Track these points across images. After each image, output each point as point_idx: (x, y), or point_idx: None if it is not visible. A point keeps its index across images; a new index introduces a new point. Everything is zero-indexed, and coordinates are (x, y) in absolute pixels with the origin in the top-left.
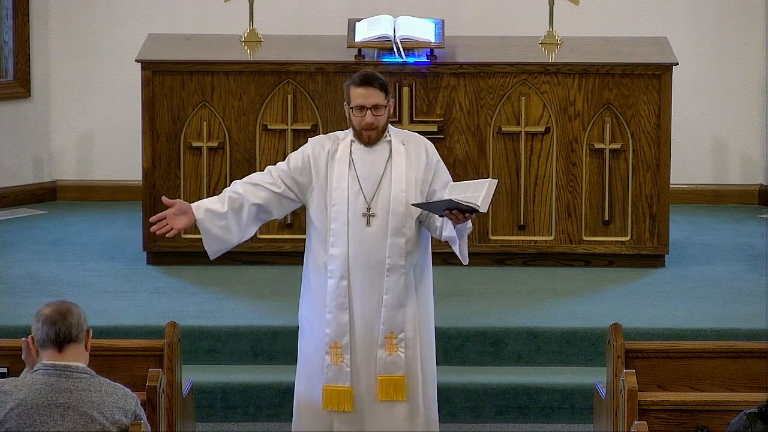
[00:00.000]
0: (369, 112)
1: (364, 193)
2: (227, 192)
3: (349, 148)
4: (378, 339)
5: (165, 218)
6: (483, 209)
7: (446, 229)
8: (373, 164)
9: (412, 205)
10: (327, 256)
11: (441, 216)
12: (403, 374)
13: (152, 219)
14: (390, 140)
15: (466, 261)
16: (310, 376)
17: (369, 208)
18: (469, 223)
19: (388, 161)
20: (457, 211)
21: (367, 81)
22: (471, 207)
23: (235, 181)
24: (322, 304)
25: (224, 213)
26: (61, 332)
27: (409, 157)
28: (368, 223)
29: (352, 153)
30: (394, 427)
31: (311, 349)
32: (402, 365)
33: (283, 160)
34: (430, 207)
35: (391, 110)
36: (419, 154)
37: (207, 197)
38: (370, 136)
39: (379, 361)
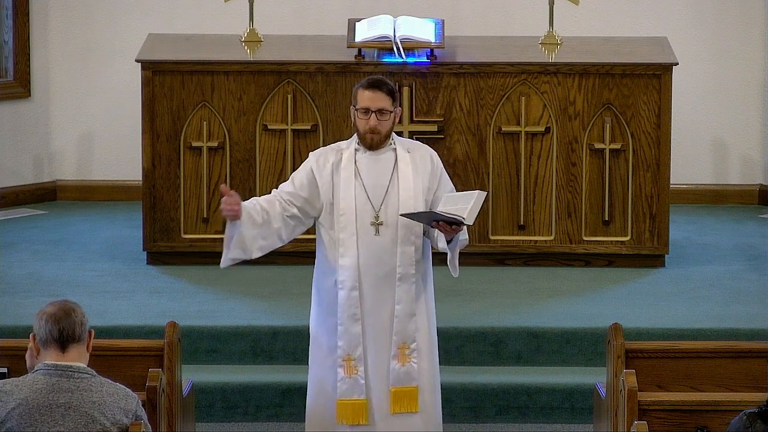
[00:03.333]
0: (374, 115)
1: (372, 202)
2: (261, 203)
3: (354, 157)
4: (390, 350)
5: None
6: (469, 221)
7: (440, 240)
8: (379, 172)
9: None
10: (337, 267)
11: (431, 227)
12: (416, 385)
13: (225, 192)
14: (395, 148)
15: (455, 274)
16: (321, 391)
17: (377, 217)
18: (464, 236)
19: (393, 169)
20: (444, 222)
21: (375, 85)
22: (455, 219)
23: (267, 197)
24: (331, 317)
25: (260, 223)
26: (65, 331)
27: (414, 164)
28: (377, 232)
29: (356, 162)
30: None
31: (321, 363)
32: (415, 376)
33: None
34: (417, 217)
35: (398, 118)
36: (425, 162)
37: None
38: (372, 139)
39: (392, 372)
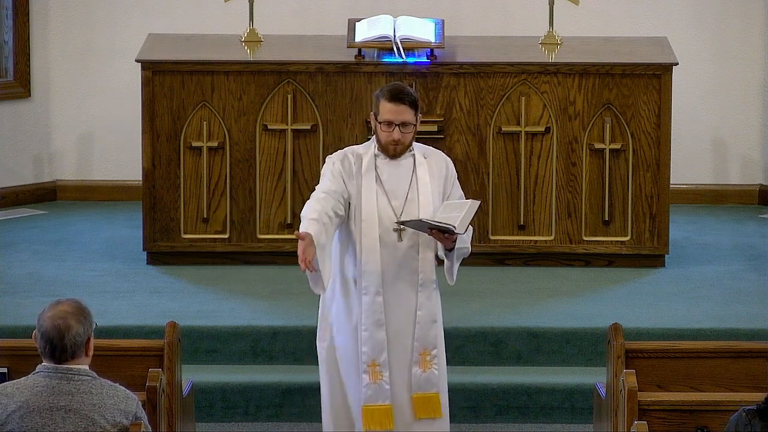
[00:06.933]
0: (397, 128)
1: (393, 208)
2: (322, 219)
3: (374, 162)
4: (411, 356)
5: (304, 255)
6: (459, 230)
7: (440, 247)
8: (399, 178)
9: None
10: (358, 272)
11: (430, 234)
12: (437, 391)
13: (302, 260)
14: (414, 153)
15: (451, 282)
16: (342, 397)
17: (398, 222)
18: (464, 245)
19: (413, 175)
20: (436, 230)
21: (397, 97)
22: (447, 227)
23: (318, 208)
24: (350, 321)
25: (324, 245)
26: (57, 350)
27: (431, 170)
28: (400, 238)
29: (377, 168)
30: None
31: (344, 370)
32: (435, 382)
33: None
34: (412, 225)
35: (418, 126)
36: (440, 168)
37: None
38: (395, 150)
39: (414, 378)
